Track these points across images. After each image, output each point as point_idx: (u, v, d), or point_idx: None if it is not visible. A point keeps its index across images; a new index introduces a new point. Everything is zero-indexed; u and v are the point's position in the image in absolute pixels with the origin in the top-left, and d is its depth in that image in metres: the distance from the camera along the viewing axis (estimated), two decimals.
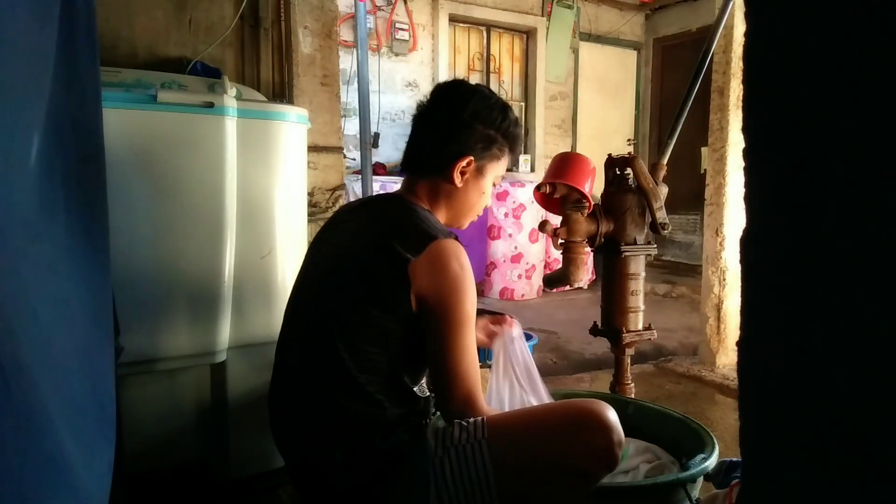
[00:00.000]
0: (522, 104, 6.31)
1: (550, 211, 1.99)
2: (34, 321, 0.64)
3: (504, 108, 1.29)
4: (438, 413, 1.50)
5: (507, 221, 4.84)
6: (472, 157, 1.24)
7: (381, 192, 4.28)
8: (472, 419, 1.14)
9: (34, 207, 0.67)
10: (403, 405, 1.16)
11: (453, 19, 5.75)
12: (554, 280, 1.98)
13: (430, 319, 1.12)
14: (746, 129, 0.39)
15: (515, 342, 1.47)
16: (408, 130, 1.33)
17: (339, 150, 2.40)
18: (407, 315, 1.12)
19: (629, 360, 2.04)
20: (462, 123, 1.24)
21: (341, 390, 1.11)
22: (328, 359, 1.12)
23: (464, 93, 1.27)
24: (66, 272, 0.75)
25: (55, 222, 0.74)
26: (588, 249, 1.94)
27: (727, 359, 2.87)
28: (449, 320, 1.12)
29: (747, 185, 0.39)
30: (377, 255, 1.13)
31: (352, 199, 3.90)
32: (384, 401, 1.12)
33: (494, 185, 1.34)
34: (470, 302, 1.13)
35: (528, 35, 6.23)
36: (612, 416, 1.12)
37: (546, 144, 6.22)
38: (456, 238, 1.18)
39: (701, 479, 1.38)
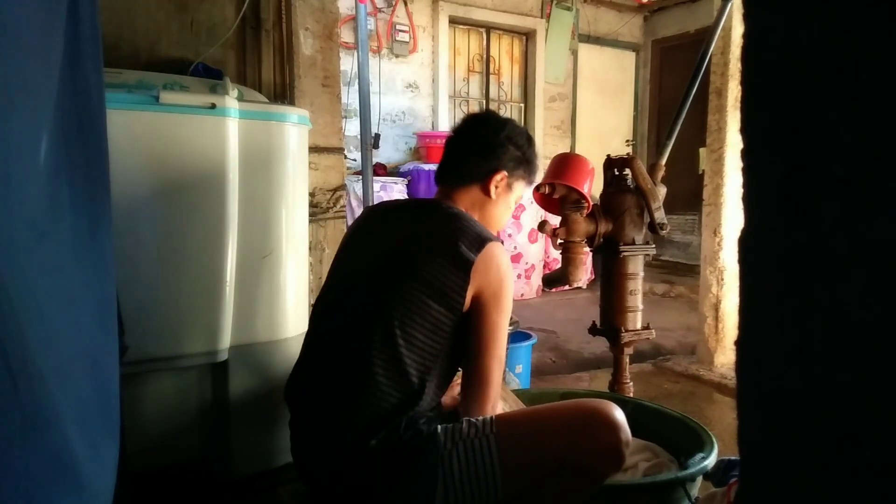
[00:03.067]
0: (522, 105, 6.31)
1: (549, 211, 2.00)
2: (40, 320, 0.65)
3: (530, 138, 1.48)
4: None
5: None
6: (505, 173, 1.40)
7: (382, 193, 4.29)
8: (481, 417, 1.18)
9: (41, 207, 0.68)
10: (429, 399, 1.21)
11: (453, 21, 5.74)
12: (553, 280, 1.98)
13: (477, 312, 1.23)
14: (744, 130, 0.39)
15: None
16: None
17: (340, 150, 2.40)
18: (458, 311, 1.21)
19: (628, 360, 2.04)
20: (499, 143, 1.41)
21: (385, 368, 1.16)
22: (382, 335, 1.17)
23: (499, 119, 1.47)
24: (72, 272, 0.76)
25: (61, 222, 0.74)
26: (587, 249, 1.95)
27: (725, 358, 2.88)
28: (497, 306, 1.25)
29: (745, 185, 0.39)
30: (444, 253, 1.22)
31: (353, 199, 3.90)
32: (418, 389, 1.18)
33: (515, 203, 1.48)
34: (511, 295, 1.30)
35: (528, 37, 6.23)
36: (619, 415, 1.14)
37: (545, 145, 6.21)
38: (501, 241, 1.31)
39: (700, 478, 1.39)
